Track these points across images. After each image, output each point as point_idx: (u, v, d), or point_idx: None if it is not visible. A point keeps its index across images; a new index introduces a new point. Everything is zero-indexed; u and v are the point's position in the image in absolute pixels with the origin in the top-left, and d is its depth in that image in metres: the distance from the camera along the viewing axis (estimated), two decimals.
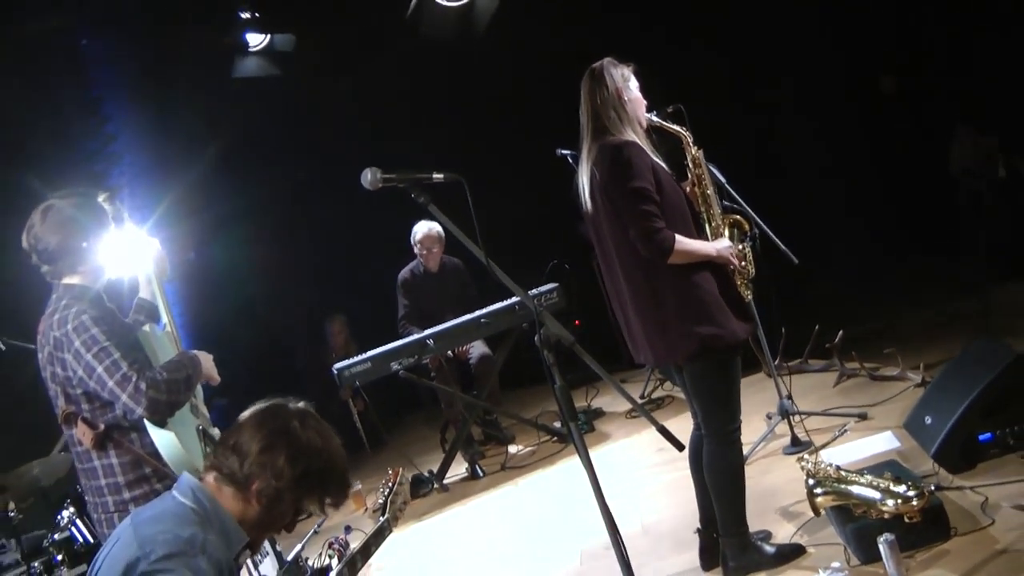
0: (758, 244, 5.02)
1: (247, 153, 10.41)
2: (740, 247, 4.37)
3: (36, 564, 5.03)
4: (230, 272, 10.40)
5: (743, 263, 4.35)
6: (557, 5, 9.50)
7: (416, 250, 8.07)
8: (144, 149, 9.72)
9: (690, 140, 4.40)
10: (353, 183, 3.12)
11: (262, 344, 10.45)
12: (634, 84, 4.27)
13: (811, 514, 4.39)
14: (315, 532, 6.13)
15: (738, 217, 4.52)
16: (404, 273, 8.19)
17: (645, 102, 4.32)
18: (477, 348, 8.00)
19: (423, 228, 7.98)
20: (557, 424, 7.89)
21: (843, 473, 4.29)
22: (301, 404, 2.88)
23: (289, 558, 5.63)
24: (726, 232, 4.37)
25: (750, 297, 4.39)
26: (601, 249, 4.36)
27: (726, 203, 4.61)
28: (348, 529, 6.40)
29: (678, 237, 4.03)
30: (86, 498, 3.84)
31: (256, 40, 9.70)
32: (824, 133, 9.50)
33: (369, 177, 3.01)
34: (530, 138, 9.07)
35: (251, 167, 10.42)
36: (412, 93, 10.05)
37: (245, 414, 2.84)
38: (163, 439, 3.63)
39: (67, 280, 3.77)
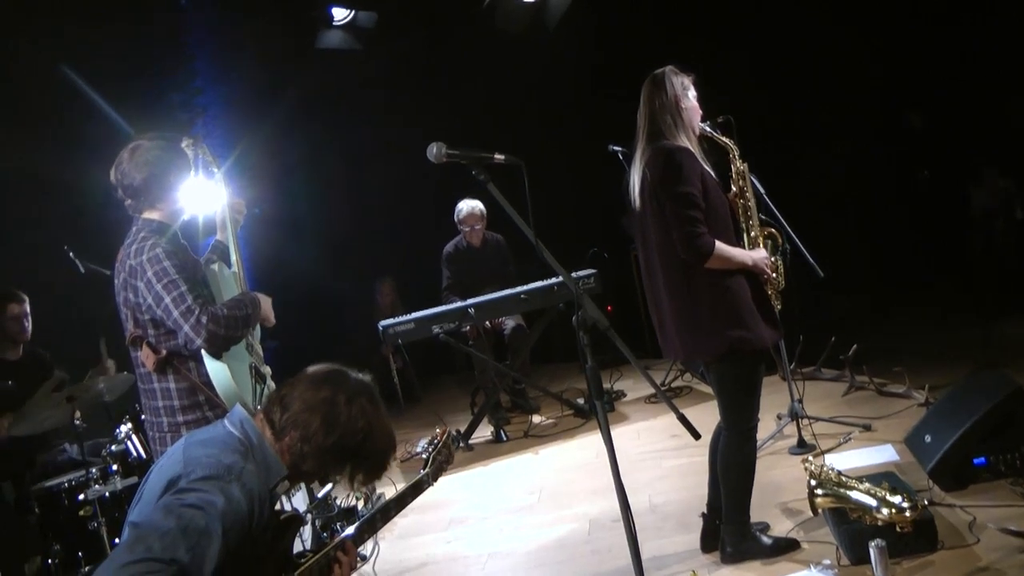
0: (788, 257, 4.97)
1: (320, 119, 10.46)
2: (773, 259, 4.33)
3: (93, 470, 5.09)
4: (294, 226, 10.46)
5: (775, 274, 4.32)
6: (623, 10, 9.46)
7: (459, 227, 8.08)
8: (225, 105, 9.79)
9: (736, 153, 4.35)
10: (415, 157, 3.11)
11: (316, 295, 10.49)
12: (692, 93, 4.22)
13: (809, 512, 4.38)
14: (333, 482, 6.14)
15: (773, 230, 4.48)
16: (449, 247, 8.22)
17: (700, 112, 4.27)
18: (512, 321, 8.01)
19: (467, 206, 7.99)
20: (580, 401, 7.87)
21: (844, 478, 4.27)
22: (365, 379, 2.86)
23: (320, 495, 5.66)
24: (762, 243, 4.33)
25: (779, 307, 4.34)
26: (644, 246, 4.31)
27: (763, 216, 4.56)
28: None
29: (718, 243, 4.00)
30: (144, 416, 3.88)
31: (341, 15, 9.68)
32: (855, 160, 9.41)
33: (435, 151, 3.00)
34: (583, 132, 9.08)
35: (322, 132, 10.47)
36: (480, 79, 10.03)
37: (310, 369, 2.83)
38: (218, 371, 3.65)
39: (147, 215, 3.80)
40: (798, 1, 9.18)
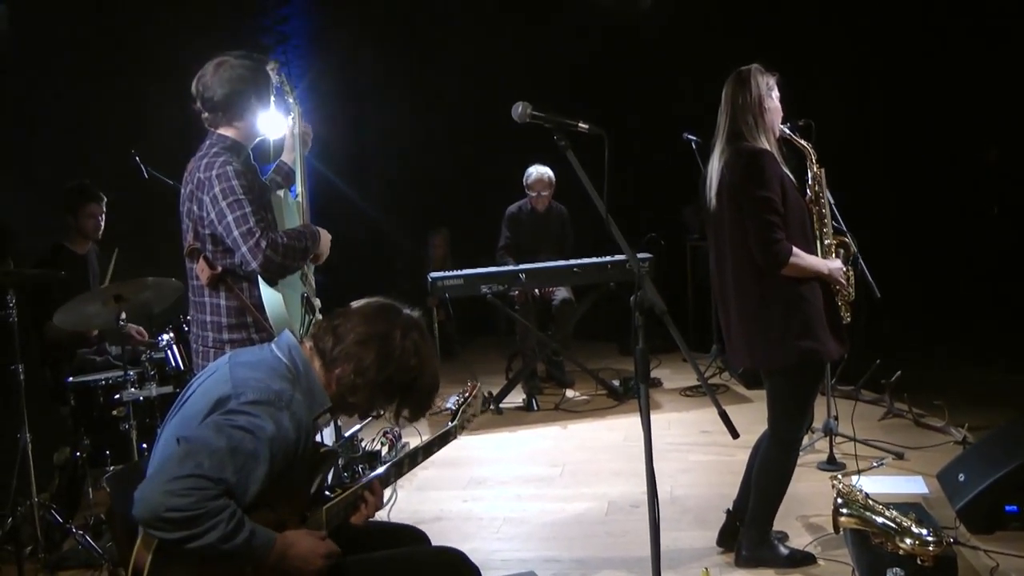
0: (860, 267, 4.90)
1: (399, 62, 10.46)
2: (846, 268, 4.26)
3: (131, 373, 5.14)
4: (358, 163, 10.51)
5: (847, 285, 4.25)
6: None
7: (527, 191, 8.07)
8: (307, 36, 9.82)
9: (814, 158, 4.27)
10: (490, 112, 3.07)
11: (370, 235, 10.54)
12: (775, 94, 4.13)
13: (830, 530, 4.34)
14: (375, 416, 6.17)
15: (846, 240, 4.40)
16: (512, 208, 8.23)
17: (782, 113, 4.20)
18: (561, 292, 8.00)
19: (536, 171, 8.00)
20: (615, 382, 7.84)
21: (871, 501, 4.21)
22: (416, 315, 2.85)
23: (347, 434, 5.69)
24: (834, 251, 4.26)
25: (848, 319, 4.26)
26: (717, 246, 4.25)
27: (836, 224, 4.49)
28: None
29: (795, 250, 3.94)
30: (191, 329, 3.91)
31: None
32: (925, 185, 9.25)
33: (520, 110, 2.96)
34: (656, 114, 9.01)
35: (399, 76, 10.47)
36: (570, 49, 9.97)
37: (360, 302, 2.83)
38: (271, 296, 3.66)
39: (222, 131, 3.80)
40: (888, 23, 9.04)
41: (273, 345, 2.75)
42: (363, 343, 2.69)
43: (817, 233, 4.22)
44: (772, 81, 4.14)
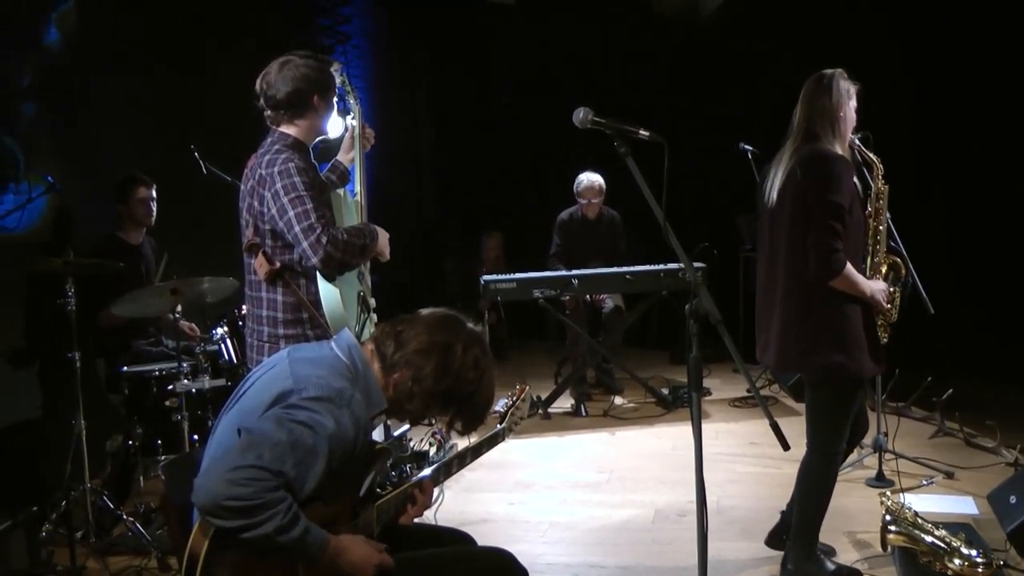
0: (909, 290, 4.86)
1: (458, 65, 10.52)
2: (892, 289, 4.23)
3: (185, 364, 5.22)
4: (414, 165, 10.57)
5: (890, 307, 4.22)
6: (779, 8, 9.33)
7: (577, 198, 8.07)
8: (367, 37, 9.91)
9: (881, 172, 4.25)
10: (547, 119, 3.09)
11: (424, 236, 10.60)
12: (853, 103, 4.11)
13: (878, 547, 4.32)
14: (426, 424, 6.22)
15: (897, 260, 4.37)
16: (563, 215, 8.24)
17: (856, 124, 4.17)
18: (612, 299, 7.99)
19: (587, 179, 7.99)
20: (664, 391, 7.83)
21: (920, 520, 4.19)
22: (478, 329, 2.88)
23: (396, 433, 5.73)
24: (883, 270, 4.24)
25: (885, 339, 4.23)
26: (770, 243, 4.23)
27: (891, 243, 4.46)
28: None
29: (848, 264, 3.93)
30: (247, 323, 3.96)
31: None
32: (995, 202, 9.12)
33: (581, 115, 2.98)
34: (713, 124, 8.98)
35: (459, 79, 10.52)
36: (629, 56, 9.98)
37: (426, 311, 2.85)
38: (329, 293, 3.70)
39: (284, 128, 3.85)
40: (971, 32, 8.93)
41: (333, 343, 2.78)
42: (424, 352, 2.71)
43: (870, 248, 4.20)
44: (853, 90, 4.12)
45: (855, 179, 4.04)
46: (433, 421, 2.93)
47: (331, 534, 2.54)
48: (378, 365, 2.75)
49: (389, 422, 5.53)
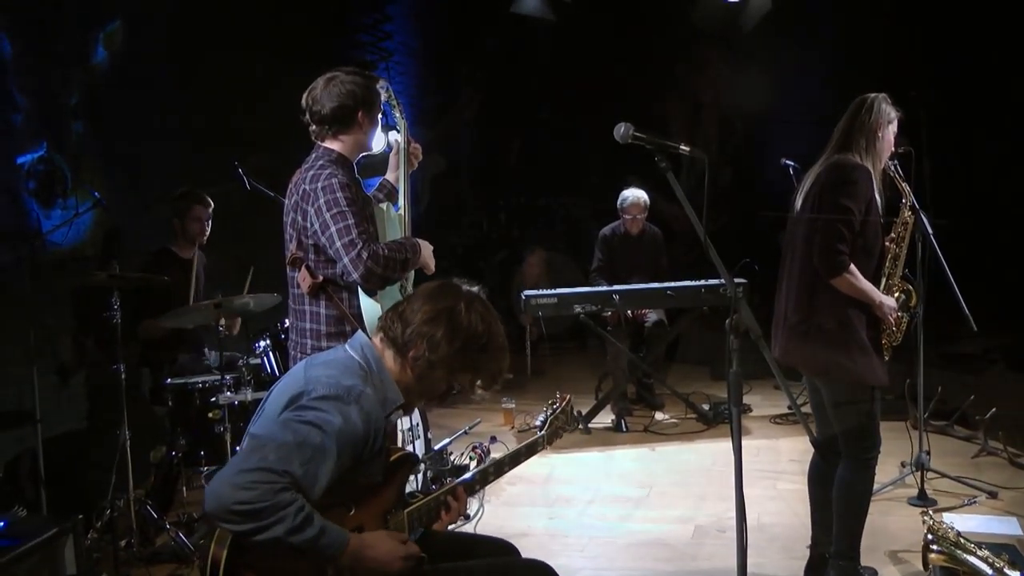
0: (916, 320, 4.87)
1: (499, 81, 10.57)
2: (900, 314, 4.26)
3: (228, 377, 5.31)
4: (457, 178, 10.62)
5: (895, 329, 4.25)
6: (829, 24, 9.30)
7: (621, 214, 8.09)
8: (410, 53, 10.00)
9: (908, 203, 4.30)
10: (585, 134, 3.12)
11: (466, 250, 10.66)
12: (893, 128, 4.19)
13: (919, 566, 4.28)
14: (464, 432, 6.24)
15: (911, 288, 4.39)
16: (606, 230, 8.25)
17: (893, 149, 4.25)
18: (655, 315, 8.00)
19: (632, 195, 7.99)
20: (705, 407, 7.82)
21: (962, 540, 4.15)
22: (474, 288, 2.94)
23: (436, 447, 5.77)
24: (896, 294, 4.26)
25: (886, 358, 4.26)
26: (792, 243, 4.30)
27: (907, 271, 4.48)
28: (493, 439, 6.55)
29: (852, 267, 3.98)
30: (290, 335, 4.02)
31: None
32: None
33: (622, 131, 3.01)
34: (758, 142, 8.98)
35: (500, 95, 10.58)
36: (665, 71, 10.01)
37: (420, 287, 2.93)
38: (370, 307, 3.77)
39: (328, 144, 3.92)
40: None
41: (347, 345, 2.86)
42: (431, 320, 2.76)
43: (886, 271, 4.23)
44: (894, 114, 4.20)
45: (876, 194, 4.08)
46: (458, 389, 2.92)
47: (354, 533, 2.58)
48: (392, 351, 2.80)
49: (430, 435, 5.59)
